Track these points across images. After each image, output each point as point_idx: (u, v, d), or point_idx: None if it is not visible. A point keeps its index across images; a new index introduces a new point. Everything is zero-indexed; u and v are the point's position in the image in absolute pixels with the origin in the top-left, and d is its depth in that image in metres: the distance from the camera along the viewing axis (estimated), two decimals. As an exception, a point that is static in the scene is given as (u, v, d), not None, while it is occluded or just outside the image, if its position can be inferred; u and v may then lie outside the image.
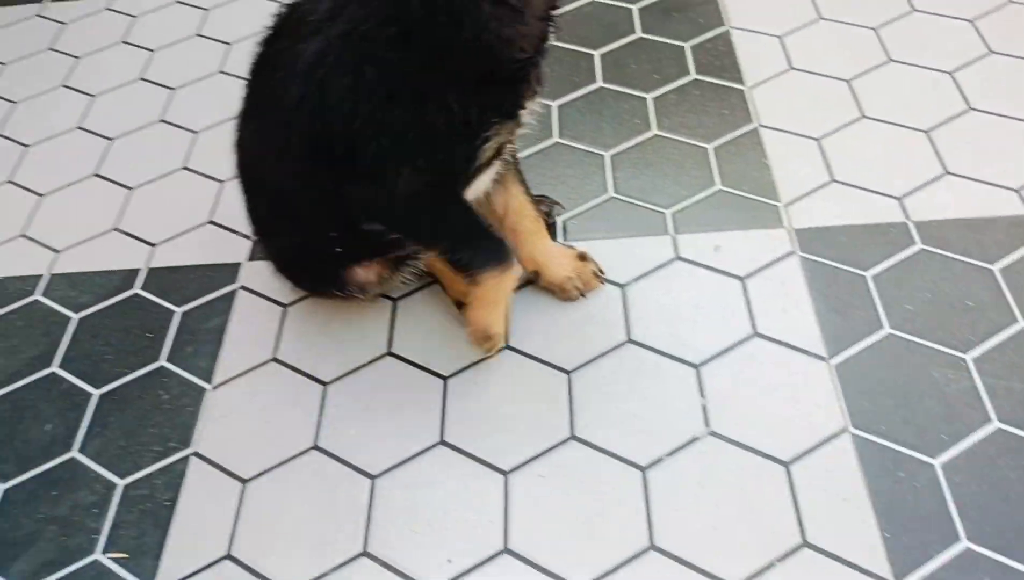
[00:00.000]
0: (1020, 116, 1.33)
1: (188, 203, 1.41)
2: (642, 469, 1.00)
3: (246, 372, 1.17)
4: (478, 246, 1.01)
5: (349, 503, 1.02)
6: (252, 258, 1.31)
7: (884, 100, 1.39)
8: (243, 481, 1.06)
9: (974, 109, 1.35)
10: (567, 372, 1.11)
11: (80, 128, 1.58)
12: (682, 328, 1.13)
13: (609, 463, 1.01)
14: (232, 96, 1.56)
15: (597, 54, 1.54)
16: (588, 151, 1.38)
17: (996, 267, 1.15)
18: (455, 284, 1.15)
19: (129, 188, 1.46)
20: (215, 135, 1.52)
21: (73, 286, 1.32)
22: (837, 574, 0.90)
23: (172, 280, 1.30)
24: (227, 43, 1.71)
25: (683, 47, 1.53)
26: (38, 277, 1.34)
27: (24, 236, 1.41)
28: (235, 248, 1.33)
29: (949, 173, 1.27)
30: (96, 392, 1.18)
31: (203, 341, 1.22)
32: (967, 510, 0.93)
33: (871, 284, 1.15)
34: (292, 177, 1.02)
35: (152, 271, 1.32)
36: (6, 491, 1.09)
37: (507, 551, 0.96)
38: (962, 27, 1.49)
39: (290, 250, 1.14)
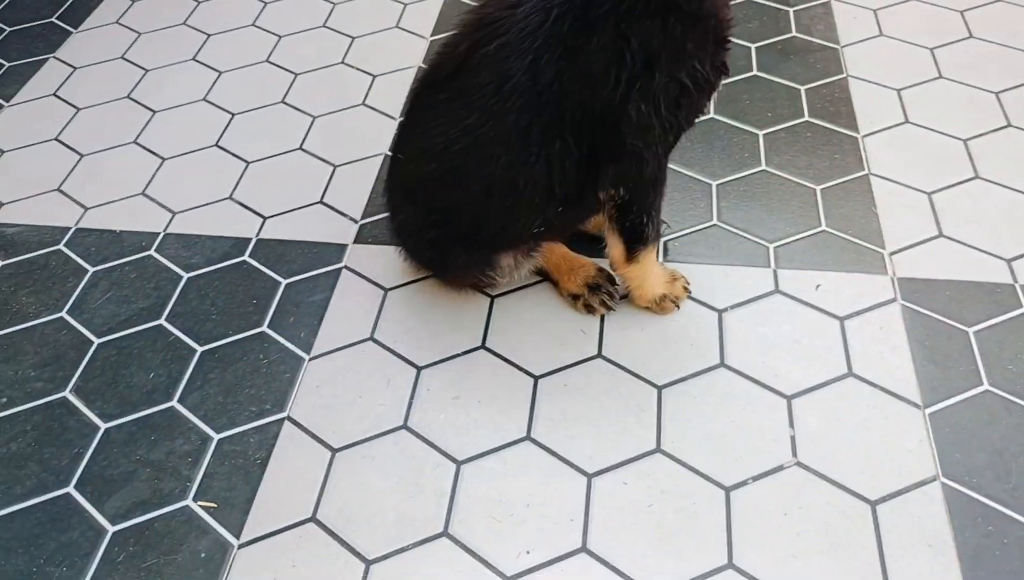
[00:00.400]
0: None
1: (301, 182, 1.47)
2: (726, 489, 1.01)
3: (344, 347, 1.21)
4: (658, 212, 1.10)
5: (433, 484, 1.04)
6: (358, 241, 1.36)
7: (1000, 163, 1.38)
8: (333, 450, 1.09)
9: (1093, 182, 1.34)
10: (658, 387, 1.12)
11: (206, 100, 1.67)
12: (776, 359, 1.14)
13: (693, 479, 1.02)
14: (350, 87, 1.66)
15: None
16: (696, 178, 1.40)
17: (1106, 341, 1.13)
18: (570, 282, 1.21)
19: (247, 161, 1.53)
20: (331, 121, 1.59)
21: (186, 247, 1.39)
22: (920, 623, 0.89)
23: (280, 252, 1.36)
24: (351, 36, 1.79)
25: (799, 89, 1.54)
26: (155, 234, 1.41)
27: (144, 194, 1.49)
28: (343, 229, 1.38)
29: (1061, 242, 1.26)
30: (199, 348, 1.23)
31: (305, 313, 1.26)
32: (1059, 576, 0.91)
33: (973, 340, 1.14)
34: (522, 162, 1.00)
35: (261, 242, 1.38)
36: (107, 430, 1.14)
37: (585, 550, 0.97)
38: (1085, 100, 1.48)
39: (446, 238, 1.13)
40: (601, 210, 1.10)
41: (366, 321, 1.25)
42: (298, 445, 1.10)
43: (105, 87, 1.72)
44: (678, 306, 1.20)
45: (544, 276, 1.26)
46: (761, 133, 1.47)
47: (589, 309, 1.20)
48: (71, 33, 1.88)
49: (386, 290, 1.29)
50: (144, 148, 1.58)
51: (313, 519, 1.02)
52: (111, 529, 1.03)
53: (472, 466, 1.06)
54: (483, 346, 1.19)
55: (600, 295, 1.20)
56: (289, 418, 1.13)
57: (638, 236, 1.10)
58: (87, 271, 1.36)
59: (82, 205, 1.47)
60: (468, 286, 1.22)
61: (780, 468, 1.02)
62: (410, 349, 1.20)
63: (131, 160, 1.55)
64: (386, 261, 1.32)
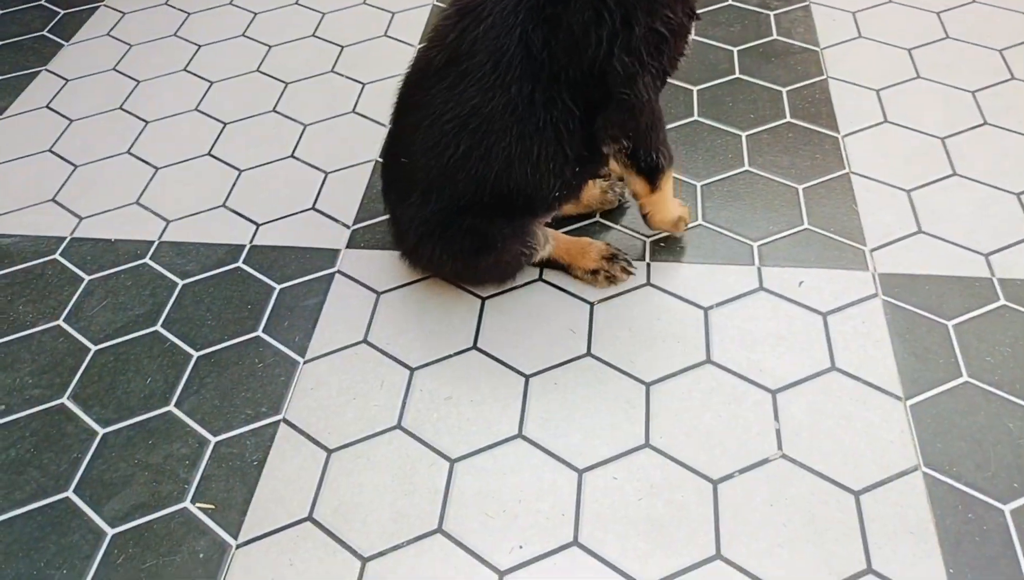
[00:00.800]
0: (1113, 189, 1.35)
1: (293, 189, 1.50)
2: (713, 482, 1.03)
3: (338, 350, 1.23)
4: (666, 145, 1.18)
5: (427, 482, 1.07)
6: (350, 246, 1.38)
7: (976, 161, 1.41)
8: (328, 451, 1.11)
9: (1067, 177, 1.37)
10: (646, 384, 1.14)
11: (198, 110, 1.69)
12: (761, 355, 1.16)
13: (681, 473, 1.04)
14: (341, 95, 1.68)
15: (696, 89, 1.59)
16: (680, 179, 1.42)
17: (1081, 331, 1.16)
18: (585, 261, 1.27)
19: (239, 170, 1.55)
20: (322, 129, 1.61)
21: (180, 254, 1.41)
22: (903, 607, 0.91)
23: (273, 258, 1.38)
24: (340, 45, 1.81)
25: (780, 91, 1.57)
26: (149, 243, 1.43)
27: (138, 204, 1.51)
28: (335, 235, 1.40)
29: (1038, 236, 1.29)
30: (195, 354, 1.25)
31: (299, 317, 1.28)
32: (1038, 560, 0.94)
33: (952, 333, 1.17)
34: (532, 130, 1.05)
35: (255, 248, 1.40)
36: (105, 435, 1.16)
37: (577, 544, 0.99)
38: (1059, 98, 1.51)
39: (484, 218, 1.14)
40: (609, 161, 1.18)
41: (359, 324, 1.27)
42: (294, 446, 1.12)
43: (97, 99, 1.74)
44: (687, 226, 1.30)
45: (552, 266, 1.30)
46: (744, 134, 1.50)
47: (611, 279, 1.27)
48: (63, 46, 1.90)
49: (379, 293, 1.31)
50: (137, 158, 1.60)
51: (310, 518, 1.04)
52: (110, 532, 1.05)
53: (465, 464, 1.08)
54: (475, 346, 1.22)
55: (619, 262, 1.28)
56: (285, 420, 1.15)
57: (655, 169, 1.19)
58: (83, 280, 1.37)
59: (77, 215, 1.49)
60: (508, 269, 1.23)
61: (766, 461, 1.05)
62: (403, 351, 1.22)
63: (125, 170, 1.57)
64: (378, 265, 1.35)
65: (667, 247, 1.32)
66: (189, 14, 1.96)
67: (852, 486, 1.02)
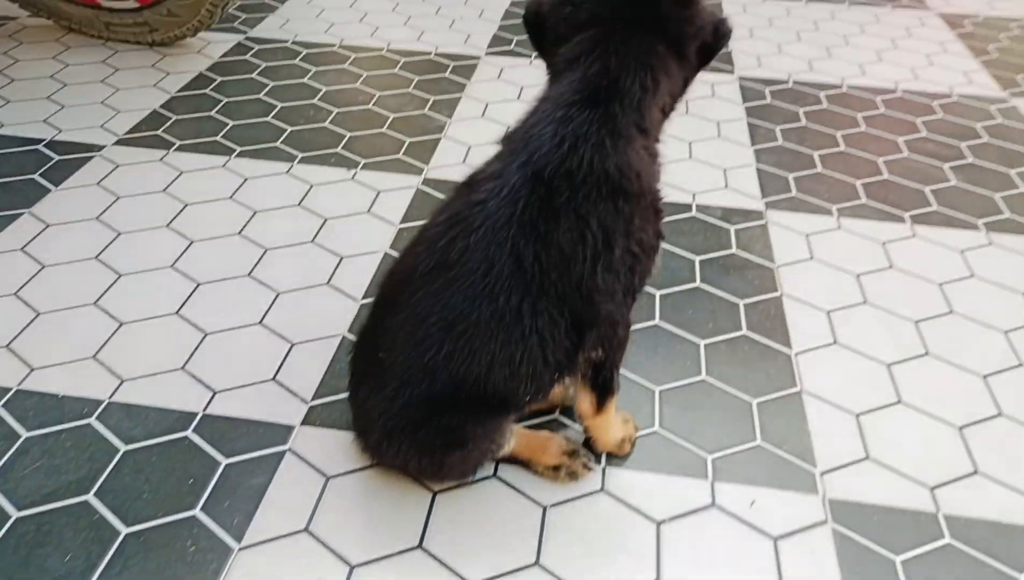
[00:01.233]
0: (1050, 430, 1.40)
1: (257, 358, 1.49)
2: None
3: (277, 539, 1.18)
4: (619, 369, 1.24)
5: None
6: (306, 422, 1.37)
7: (921, 390, 1.47)
8: (252, 653, 1.04)
9: (1005, 416, 1.43)
10: (593, 602, 1.11)
11: (173, 267, 1.71)
12: (711, 578, 1.14)
13: None
14: (318, 266, 1.72)
15: (659, 294, 1.66)
16: (639, 383, 1.45)
17: (1025, 578, 1.16)
18: (546, 457, 1.29)
19: (205, 332, 1.55)
20: (295, 298, 1.64)
21: (129, 417, 1.37)
22: None
23: (225, 430, 1.35)
24: (324, 217, 1.88)
25: (738, 303, 1.65)
26: (98, 402, 1.40)
27: (95, 359, 1.49)
28: (292, 410, 1.39)
29: (980, 473, 1.32)
30: (125, 530, 1.19)
31: (242, 498, 1.24)
32: None
33: (900, 569, 1.17)
34: (518, 337, 1.07)
35: (207, 417, 1.38)
36: (11, 614, 1.08)
37: None
38: (995, 336, 1.60)
39: (459, 417, 1.14)
40: (578, 371, 1.21)
41: (303, 510, 1.23)
42: (215, 645, 1.05)
43: (74, 246, 1.76)
44: (633, 446, 1.33)
45: (511, 461, 1.29)
46: (702, 343, 1.55)
47: (572, 475, 1.28)
48: (50, 191, 1.94)
49: (328, 477, 1.28)
50: (104, 311, 1.60)
51: None
52: None
53: (397, 680, 1.02)
54: (420, 546, 1.18)
55: (580, 459, 1.29)
56: (210, 614, 1.09)
57: (607, 388, 1.23)
58: (20, 436, 1.33)
59: (28, 365, 1.46)
60: (473, 465, 1.23)
61: None
62: (345, 544, 1.18)
63: (88, 322, 1.57)
64: (332, 445, 1.33)
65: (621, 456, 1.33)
66: (182, 172, 2.04)
67: None
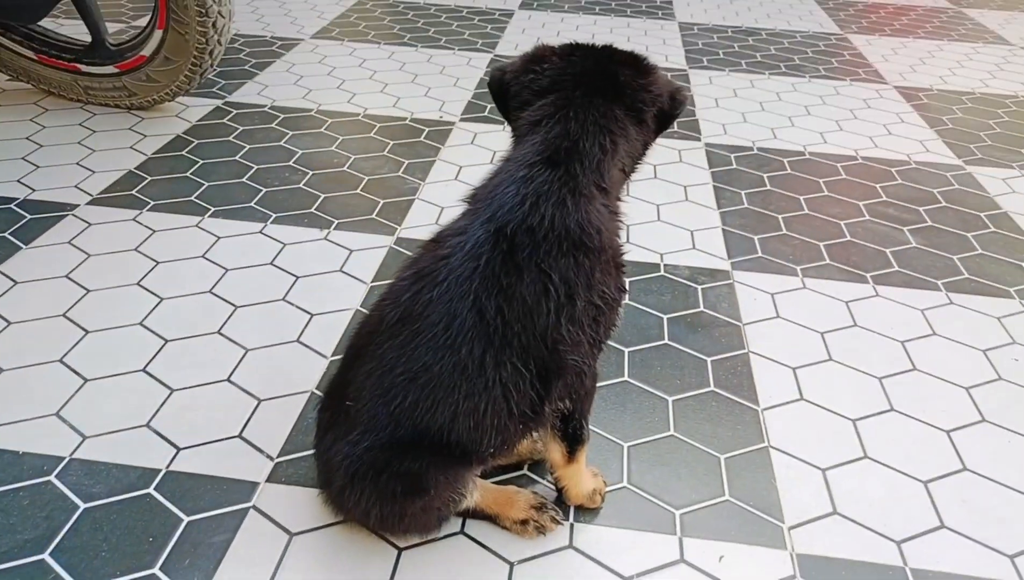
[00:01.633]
0: (1011, 484, 1.42)
1: (223, 414, 1.48)
2: None
3: (237, 598, 1.16)
4: (588, 419, 1.26)
5: None
6: (271, 479, 1.35)
7: (886, 445, 1.49)
8: None
9: (969, 470, 1.44)
10: (560, 662, 1.09)
11: (141, 325, 1.71)
12: (680, 637, 1.13)
13: None
14: (288, 323, 1.72)
15: (627, 351, 1.68)
16: (608, 438, 1.46)
17: (994, 633, 1.16)
18: (514, 511, 1.28)
19: (171, 389, 1.53)
20: (263, 355, 1.63)
21: (90, 474, 1.35)
22: None
23: (188, 487, 1.33)
24: (295, 275, 1.89)
25: (706, 360, 1.67)
26: (59, 459, 1.37)
27: (58, 415, 1.46)
28: (257, 466, 1.37)
29: (946, 527, 1.33)
30: (80, 589, 1.16)
31: (202, 556, 1.21)
32: None
33: (870, 626, 1.16)
34: (481, 388, 1.08)
35: (170, 474, 1.35)
36: (-46, 681, 1.03)
37: None
38: (958, 392, 1.63)
39: (421, 465, 1.13)
40: (546, 422, 1.22)
41: (266, 568, 1.20)
42: None
43: (41, 304, 1.75)
44: (603, 499, 1.33)
45: (478, 516, 1.28)
46: (671, 399, 1.57)
47: (540, 529, 1.27)
48: (21, 249, 1.94)
49: (292, 534, 1.26)
50: (69, 367, 1.58)
51: None
52: None
53: None
54: (384, 605, 1.15)
55: (548, 512, 1.29)
56: (164, 678, 1.05)
57: (577, 438, 1.24)
58: (-24, 495, 1.29)
59: (-11, 422, 1.44)
60: (435, 516, 1.20)
61: None
62: (307, 604, 1.15)
63: (52, 379, 1.55)
64: (297, 502, 1.31)
65: (592, 509, 1.32)
66: (155, 231, 2.05)
67: None
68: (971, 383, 1.66)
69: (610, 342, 1.65)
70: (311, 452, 1.40)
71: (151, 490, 1.32)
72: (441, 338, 1.07)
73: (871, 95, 3.29)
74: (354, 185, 2.34)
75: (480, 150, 2.61)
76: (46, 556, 1.20)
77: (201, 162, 2.42)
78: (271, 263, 1.94)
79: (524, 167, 1.10)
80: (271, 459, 1.39)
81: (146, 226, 2.07)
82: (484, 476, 1.33)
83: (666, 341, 1.73)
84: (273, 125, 2.70)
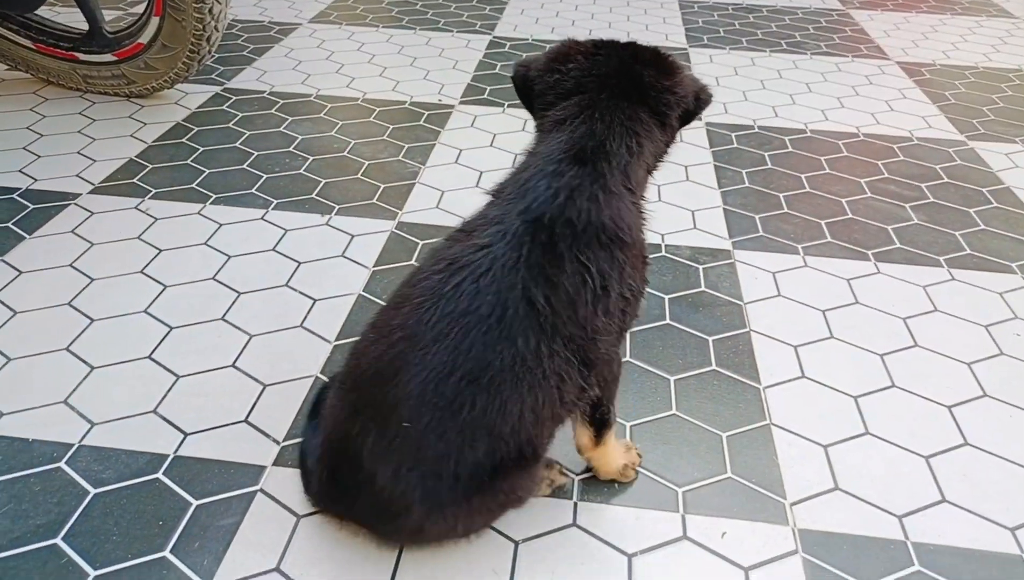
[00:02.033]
0: (1012, 458, 1.43)
1: (229, 400, 1.49)
2: None
3: (247, 578, 1.17)
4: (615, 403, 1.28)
5: None
6: (277, 463, 1.36)
7: (887, 421, 1.49)
8: None
9: (970, 445, 1.45)
10: (566, 637, 1.10)
11: (146, 312, 1.72)
12: (684, 611, 1.14)
13: None
14: (291, 309, 1.73)
15: (629, 332, 1.69)
16: (611, 419, 1.47)
17: (994, 604, 1.17)
18: None
19: (177, 375, 1.55)
20: (267, 341, 1.64)
21: (99, 460, 1.36)
22: None
23: (196, 471, 1.34)
24: (298, 261, 1.90)
25: (707, 339, 1.68)
26: (68, 446, 1.39)
27: (66, 403, 1.48)
28: (264, 451, 1.39)
29: (947, 501, 1.34)
30: (93, 573, 1.17)
31: (212, 538, 1.23)
32: None
33: (871, 599, 1.17)
34: (540, 378, 1.05)
35: (178, 459, 1.37)
36: (-29, 664, 1.05)
37: None
38: (960, 368, 1.64)
39: (500, 468, 1.09)
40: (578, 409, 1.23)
41: (274, 550, 1.22)
42: None
43: (47, 293, 1.76)
44: (636, 472, 1.36)
45: None
46: (672, 378, 1.58)
47: (551, 484, 1.32)
48: (24, 238, 1.95)
49: (299, 517, 1.27)
50: (75, 355, 1.59)
51: None
52: None
53: None
54: (391, 585, 1.17)
55: (555, 466, 1.34)
56: (176, 658, 1.07)
57: (605, 422, 1.26)
58: (-12, 482, 1.31)
59: (-2, 411, 1.45)
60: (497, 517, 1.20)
61: None
62: (316, 584, 1.17)
63: (59, 367, 1.56)
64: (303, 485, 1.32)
65: (595, 487, 1.33)
66: (157, 219, 2.05)
67: None
68: (973, 358, 1.66)
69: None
70: (317, 436, 1.42)
71: (160, 475, 1.34)
72: (496, 331, 1.02)
73: (873, 71, 3.26)
74: (354, 170, 2.34)
75: (480, 133, 2.61)
76: (59, 540, 1.22)
77: (201, 149, 2.42)
78: (273, 249, 1.95)
79: (553, 163, 1.10)
80: (277, 443, 1.40)
81: (148, 214, 2.07)
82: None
83: (668, 321, 1.74)
84: (272, 111, 2.70)
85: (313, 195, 2.19)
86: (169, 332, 1.66)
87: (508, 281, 1.04)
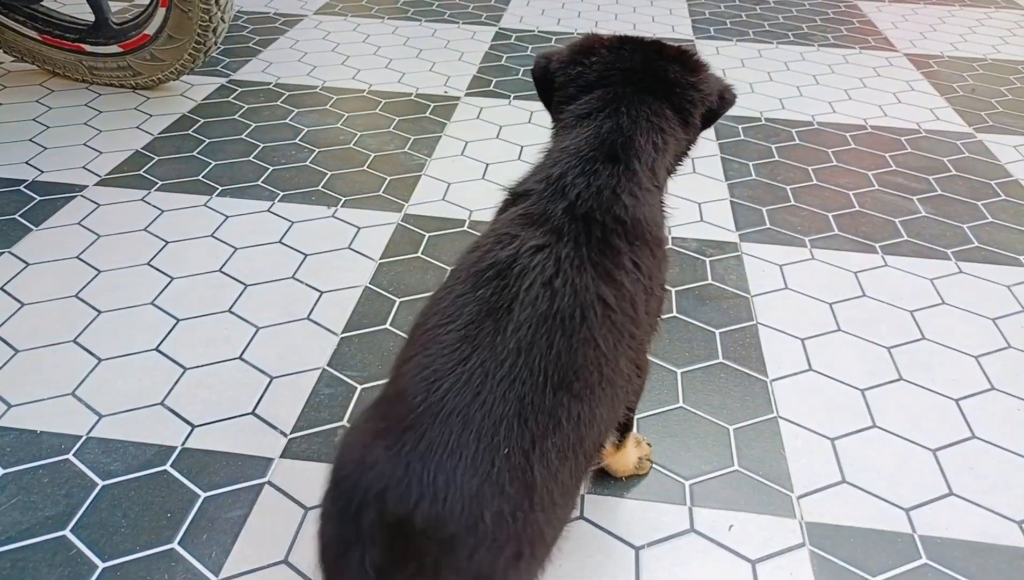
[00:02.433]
0: (1019, 451, 1.42)
1: (236, 392, 1.50)
2: None
3: (256, 570, 1.18)
4: None
5: None
6: (284, 455, 1.36)
7: (894, 414, 1.49)
8: None
9: (978, 438, 1.45)
10: (573, 629, 1.11)
11: (153, 304, 1.72)
12: (691, 604, 1.15)
13: None
14: (297, 301, 1.73)
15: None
16: (617, 411, 1.47)
17: (1001, 597, 1.17)
18: None
19: (184, 367, 1.55)
20: (274, 333, 1.64)
21: (107, 452, 1.37)
22: None
23: (204, 463, 1.35)
24: (304, 253, 1.90)
25: (714, 332, 1.68)
26: (76, 437, 1.39)
27: (74, 395, 1.48)
28: (271, 443, 1.39)
29: (954, 494, 1.34)
30: (101, 565, 1.18)
31: (220, 530, 1.23)
32: None
33: (878, 592, 1.18)
34: (618, 377, 0.97)
35: (186, 451, 1.37)
36: (-18, 653, 1.06)
37: None
38: (967, 361, 1.63)
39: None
40: None
41: (282, 542, 1.22)
42: (191, 681, 1.04)
43: (54, 285, 1.77)
44: (651, 462, 1.38)
45: None
46: (679, 371, 1.57)
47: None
48: (31, 230, 1.95)
49: (307, 509, 1.27)
50: (82, 347, 1.60)
51: None
52: None
53: None
54: None
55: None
56: (186, 649, 1.07)
57: (626, 427, 1.27)
58: (-3, 473, 1.32)
59: (6, 402, 1.46)
60: None
61: None
62: (324, 575, 1.17)
63: (67, 358, 1.56)
64: (310, 478, 1.32)
65: (603, 481, 1.33)
66: (163, 211, 2.05)
67: None
68: (980, 351, 1.66)
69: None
70: (324, 428, 1.42)
71: (167, 467, 1.34)
72: (581, 333, 0.93)
73: (880, 63, 3.25)
74: (360, 162, 2.33)
75: (486, 125, 2.60)
76: (67, 532, 1.23)
77: (207, 141, 2.42)
78: (280, 241, 1.95)
79: (583, 161, 1.06)
80: (284, 435, 1.41)
81: (155, 206, 2.07)
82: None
83: (675, 314, 1.73)
84: (278, 103, 2.70)
85: (319, 187, 2.19)
86: (176, 324, 1.67)
87: (582, 281, 0.96)
